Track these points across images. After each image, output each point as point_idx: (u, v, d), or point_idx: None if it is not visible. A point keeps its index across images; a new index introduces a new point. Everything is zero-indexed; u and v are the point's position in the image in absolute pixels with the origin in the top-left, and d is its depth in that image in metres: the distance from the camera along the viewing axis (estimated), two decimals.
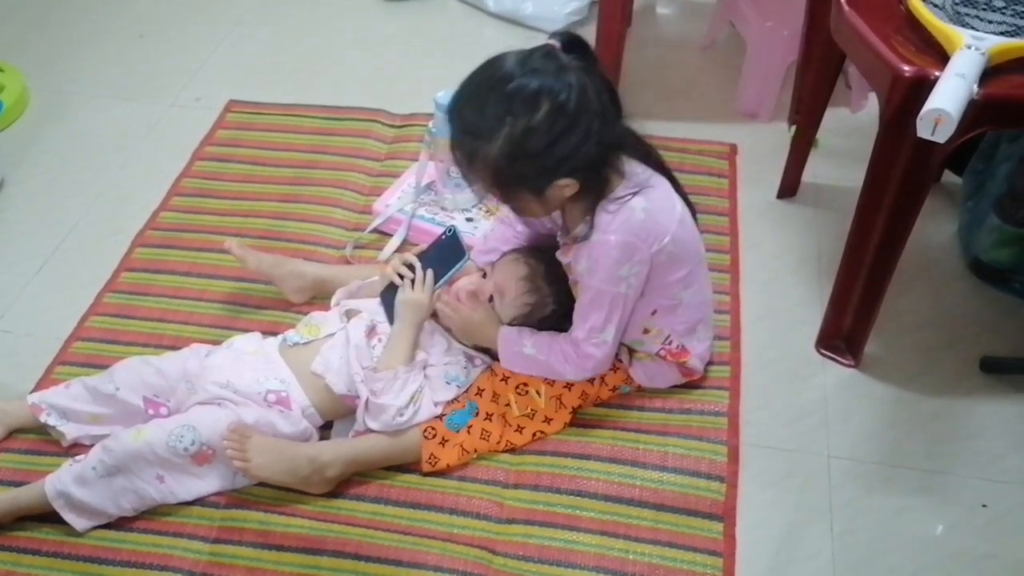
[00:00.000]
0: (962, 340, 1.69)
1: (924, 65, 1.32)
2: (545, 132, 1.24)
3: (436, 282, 1.53)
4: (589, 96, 1.25)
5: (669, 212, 1.39)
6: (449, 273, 1.53)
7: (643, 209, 1.35)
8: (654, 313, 1.46)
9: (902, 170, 1.41)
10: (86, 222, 2.00)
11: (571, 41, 1.29)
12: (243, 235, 1.91)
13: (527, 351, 1.47)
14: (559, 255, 1.47)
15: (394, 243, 1.86)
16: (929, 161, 1.39)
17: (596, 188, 1.34)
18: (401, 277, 1.53)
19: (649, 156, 1.42)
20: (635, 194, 1.35)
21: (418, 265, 1.54)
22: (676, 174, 1.47)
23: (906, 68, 1.33)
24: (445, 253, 1.56)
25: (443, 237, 1.58)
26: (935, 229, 1.87)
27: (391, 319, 1.53)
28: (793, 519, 1.44)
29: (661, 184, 1.40)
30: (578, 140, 1.26)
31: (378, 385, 1.43)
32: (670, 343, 1.50)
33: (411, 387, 1.45)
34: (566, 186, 1.30)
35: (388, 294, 1.56)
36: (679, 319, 1.48)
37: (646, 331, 1.48)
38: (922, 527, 1.43)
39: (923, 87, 1.28)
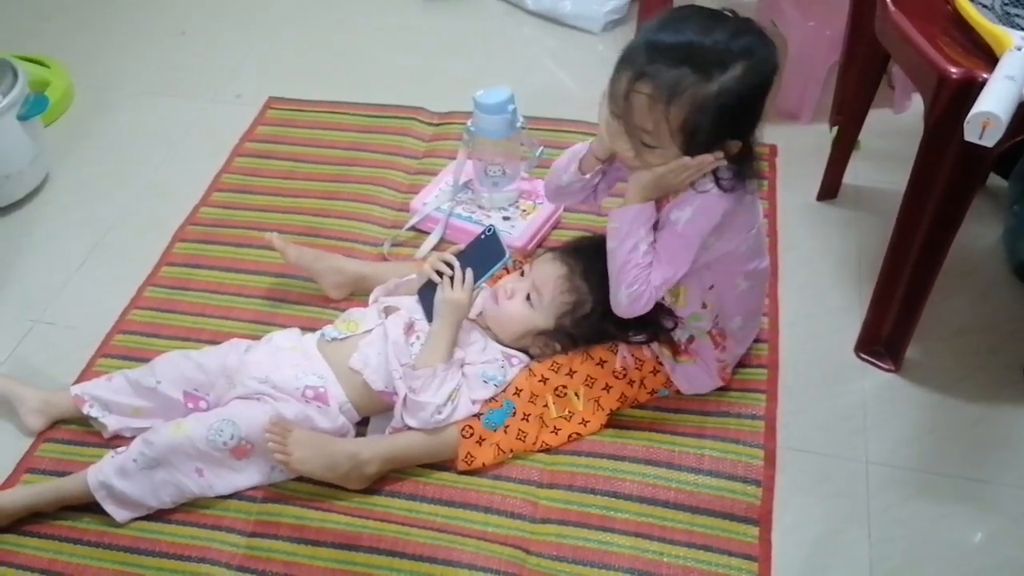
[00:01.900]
0: (1005, 346, 1.66)
1: (972, 67, 1.30)
2: (757, 92, 1.27)
3: (476, 281, 1.53)
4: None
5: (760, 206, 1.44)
6: (489, 272, 1.53)
7: (751, 192, 1.38)
8: (711, 288, 1.46)
9: (947, 174, 1.39)
10: (128, 217, 2.02)
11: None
12: (282, 231, 1.91)
13: (629, 241, 1.38)
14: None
15: (431, 241, 1.87)
16: (975, 165, 1.36)
17: (746, 159, 1.35)
18: (440, 275, 1.53)
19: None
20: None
21: (457, 264, 1.53)
22: None
23: (953, 70, 1.31)
24: (485, 252, 1.55)
25: (482, 236, 1.57)
26: (979, 233, 1.84)
27: (429, 317, 1.53)
28: (830, 525, 1.43)
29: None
30: (761, 109, 1.29)
31: (417, 383, 1.44)
32: (718, 323, 1.50)
33: (449, 385, 1.45)
34: (733, 146, 1.31)
35: (426, 292, 1.57)
36: (731, 304, 1.49)
37: (704, 306, 1.48)
38: (962, 536, 1.41)
39: (970, 89, 1.26)
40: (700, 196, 1.35)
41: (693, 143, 1.29)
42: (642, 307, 1.40)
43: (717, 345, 1.51)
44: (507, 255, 1.52)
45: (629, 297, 1.40)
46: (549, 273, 1.53)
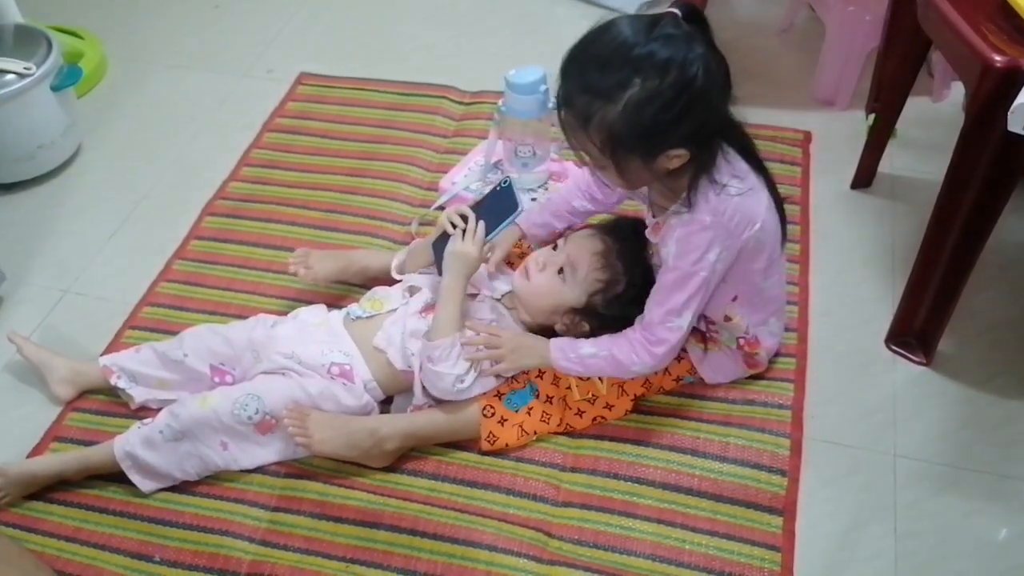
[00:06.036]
0: None
1: (1017, 55, 1.27)
2: (671, 100, 1.21)
3: (487, 235, 1.50)
4: (712, 69, 1.23)
5: (759, 201, 1.37)
6: (500, 226, 1.50)
7: (738, 193, 1.33)
8: (735, 299, 1.44)
9: (987, 165, 1.36)
10: (158, 190, 2.03)
11: (691, 12, 1.26)
12: (310, 207, 1.93)
13: (585, 351, 1.43)
14: (649, 234, 1.44)
15: None
16: (1017, 157, 1.33)
17: (703, 164, 1.31)
18: (454, 227, 1.51)
19: (746, 147, 1.38)
20: (733, 181, 1.33)
21: (472, 216, 1.51)
22: None
23: (997, 58, 1.28)
24: (499, 205, 1.52)
25: (498, 188, 1.54)
26: (1017, 226, 1.80)
27: (440, 270, 1.52)
28: (855, 517, 1.41)
29: (754, 179, 1.37)
30: (700, 112, 1.23)
31: (436, 352, 1.43)
32: (748, 332, 1.48)
33: None
34: (677, 156, 1.27)
35: (440, 243, 1.54)
36: (757, 308, 1.46)
37: (728, 319, 1.46)
38: (991, 533, 1.39)
39: (1015, 79, 1.23)
40: (678, 227, 1.33)
41: (624, 163, 1.28)
42: (668, 351, 1.40)
43: (749, 348, 1.50)
44: (519, 208, 1.50)
45: (648, 359, 1.40)
46: (586, 248, 1.51)
